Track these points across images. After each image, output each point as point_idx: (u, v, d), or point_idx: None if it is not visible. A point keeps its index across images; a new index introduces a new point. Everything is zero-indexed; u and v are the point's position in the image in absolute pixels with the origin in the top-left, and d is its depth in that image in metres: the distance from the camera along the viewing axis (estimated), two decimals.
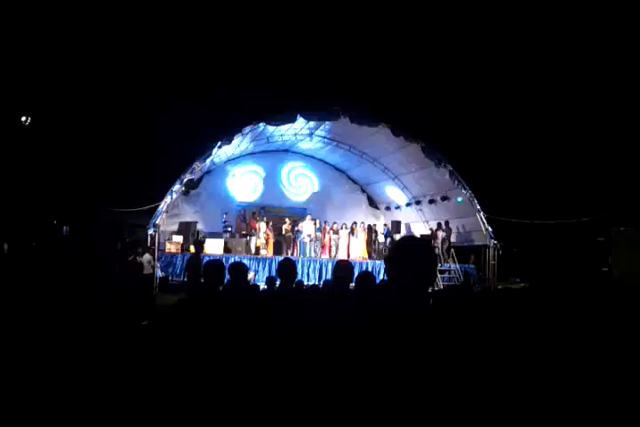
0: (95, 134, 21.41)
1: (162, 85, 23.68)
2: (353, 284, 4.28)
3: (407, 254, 2.23)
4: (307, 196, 24.03)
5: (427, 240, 2.53)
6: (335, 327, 2.29)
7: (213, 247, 17.71)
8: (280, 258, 18.68)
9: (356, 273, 4.38)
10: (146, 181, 18.90)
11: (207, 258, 17.26)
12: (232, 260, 17.47)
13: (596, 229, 17.51)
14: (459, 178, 19.22)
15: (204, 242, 17.50)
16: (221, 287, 5.14)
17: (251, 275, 16.64)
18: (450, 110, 25.38)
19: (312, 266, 18.70)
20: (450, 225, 20.35)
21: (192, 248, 14.68)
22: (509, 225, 18.97)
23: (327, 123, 19.90)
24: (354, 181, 24.92)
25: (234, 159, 22.31)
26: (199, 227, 19.75)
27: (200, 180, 21.24)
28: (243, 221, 20.48)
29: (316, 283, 16.24)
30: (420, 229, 22.31)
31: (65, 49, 20.70)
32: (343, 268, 4.41)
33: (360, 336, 2.17)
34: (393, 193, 23.34)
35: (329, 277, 18.22)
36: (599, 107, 22.54)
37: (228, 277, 5.46)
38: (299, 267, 16.52)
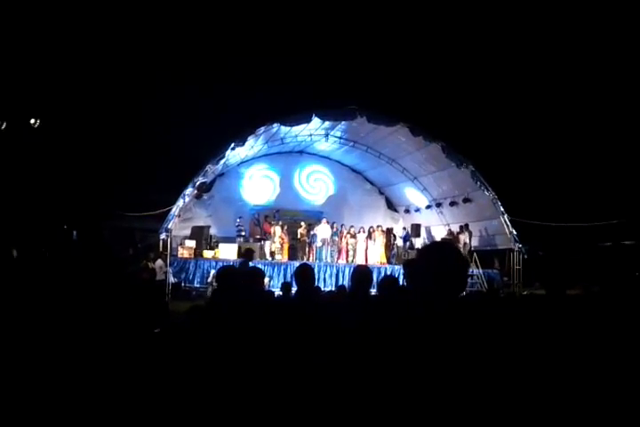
0: (106, 137, 21.67)
1: (175, 87, 23.93)
2: (373, 289, 4.27)
3: (436, 259, 2.19)
4: (323, 198, 24.04)
5: (455, 245, 2.49)
6: (359, 334, 2.27)
7: (227, 252, 17.79)
8: (295, 263, 18.77)
9: (375, 278, 4.35)
10: (158, 184, 19.08)
11: (219, 263, 17.52)
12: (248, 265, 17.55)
13: (621, 232, 17.23)
14: (481, 179, 19.09)
15: (253, 252, 17.67)
16: (237, 294, 5.15)
17: (266, 281, 16.68)
18: (471, 109, 25.25)
19: (329, 271, 18.69)
20: (470, 228, 20.20)
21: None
22: (533, 228, 18.77)
23: (343, 123, 19.89)
24: (371, 183, 24.88)
25: (247, 161, 22.41)
26: (212, 231, 19.86)
27: (213, 183, 21.35)
28: (257, 224, 20.54)
29: (333, 289, 16.14)
30: (440, 233, 22.18)
31: (72, 51, 20.98)
32: (362, 273, 4.38)
33: (387, 341, 2.15)
34: (412, 195, 23.25)
35: (346, 282, 18.21)
36: (628, 106, 22.25)
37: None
38: (316, 272, 16.54)
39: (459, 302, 2.15)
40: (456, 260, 2.22)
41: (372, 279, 4.38)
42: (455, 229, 20.82)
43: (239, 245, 18.62)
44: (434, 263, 2.19)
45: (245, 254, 12.33)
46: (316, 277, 16.04)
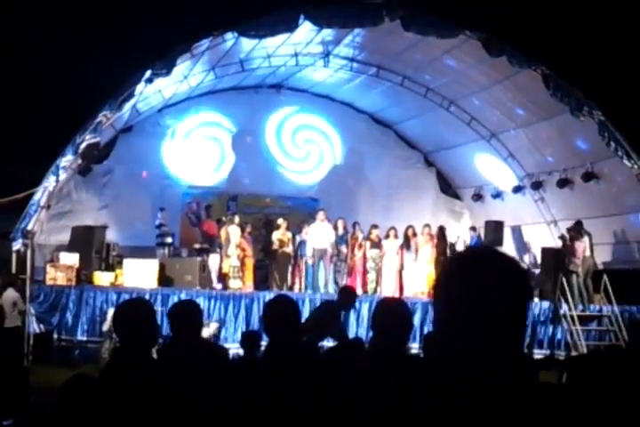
0: None
1: None
2: (417, 345, 4.27)
3: (470, 285, 2.20)
4: (317, 174, 24.16)
5: (510, 258, 2.48)
6: None
7: (139, 274, 17.76)
8: (267, 295, 18.26)
9: (418, 323, 4.38)
10: (7, 147, 18.94)
11: (124, 296, 17.28)
12: (174, 299, 17.49)
13: None
14: (617, 137, 19.00)
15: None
16: (154, 351, 5.18)
17: (211, 328, 16.61)
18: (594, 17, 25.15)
19: None
20: (593, 227, 20.15)
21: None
22: None
23: (357, 32, 19.82)
24: (410, 145, 24.94)
25: (177, 104, 22.44)
26: (110, 236, 19.82)
27: (112, 145, 21.40)
28: (194, 223, 20.59)
29: (338, 343, 16.06)
30: (541, 237, 22.23)
31: None
32: (393, 313, 4.40)
33: None
34: (488, 167, 23.35)
35: (364, 330, 18.17)
36: None
37: (166, 331, 5.52)
38: (303, 312, 16.41)
39: (541, 365, 2.21)
40: (512, 285, 2.25)
41: (410, 325, 4.44)
42: (565, 228, 20.81)
43: (161, 261, 18.60)
44: (468, 293, 2.20)
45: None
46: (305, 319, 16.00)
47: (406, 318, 4.42)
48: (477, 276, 2.24)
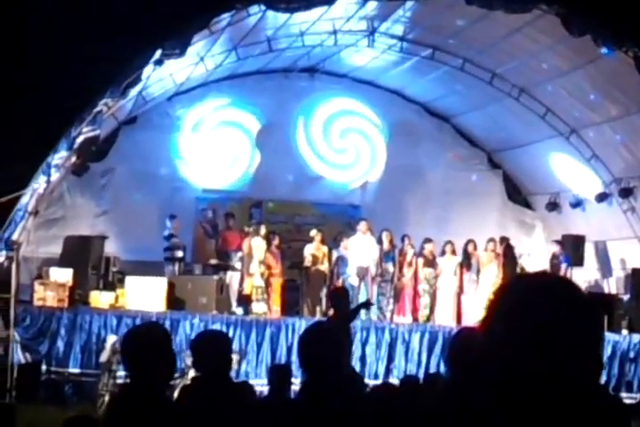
0: None
1: None
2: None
3: (539, 324, 2.20)
4: (359, 176, 24.18)
5: (580, 289, 2.55)
6: None
7: (144, 295, 17.79)
8: (297, 323, 18.55)
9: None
10: None
11: (125, 320, 17.36)
12: (185, 325, 17.50)
13: None
14: None
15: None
16: (173, 386, 5.19)
17: (234, 359, 16.63)
18: None
19: (376, 340, 18.67)
20: None
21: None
22: None
23: (409, 5, 19.79)
24: (471, 142, 24.99)
25: (191, 91, 22.54)
26: (110, 248, 19.88)
27: (113, 139, 21.52)
28: (211, 234, 20.64)
29: (392, 380, 15.96)
30: (629, 254, 22.04)
31: None
32: (467, 345, 4.35)
33: None
34: (566, 170, 23.18)
35: (414, 366, 18.09)
36: None
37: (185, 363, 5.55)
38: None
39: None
40: (580, 316, 2.27)
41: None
42: None
43: (171, 279, 18.61)
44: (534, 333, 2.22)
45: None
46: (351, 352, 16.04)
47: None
48: (545, 309, 2.26)
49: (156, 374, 4.56)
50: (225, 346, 5.62)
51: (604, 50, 18.35)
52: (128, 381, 5.14)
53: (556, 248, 21.81)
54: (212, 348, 5.44)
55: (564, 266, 21.13)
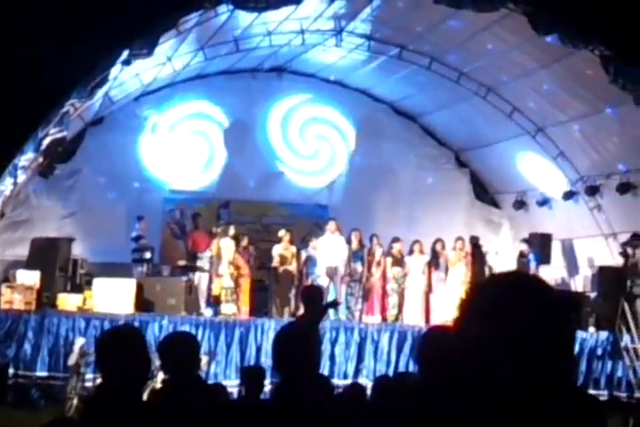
0: None
1: None
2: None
3: (512, 321, 2.24)
4: (327, 176, 24.26)
5: (550, 286, 2.57)
6: None
7: (112, 297, 17.73)
8: (267, 323, 18.53)
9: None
10: None
11: (93, 322, 17.31)
12: (154, 327, 17.46)
13: None
14: None
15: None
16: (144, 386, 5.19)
17: (202, 361, 16.56)
18: None
19: (345, 340, 18.66)
20: None
21: None
22: None
23: (377, 4, 19.76)
24: (439, 142, 25.04)
25: (158, 91, 22.55)
26: (77, 250, 19.79)
27: (79, 140, 21.45)
28: (179, 235, 20.61)
29: (362, 380, 16.15)
30: (596, 252, 22.22)
31: None
32: (441, 345, 4.42)
33: None
34: (533, 168, 23.33)
35: (383, 366, 18.14)
36: None
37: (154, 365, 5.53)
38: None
39: None
40: (548, 311, 2.32)
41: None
42: (632, 245, 20.74)
43: (139, 280, 18.58)
44: (510, 330, 2.27)
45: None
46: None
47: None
48: (520, 310, 2.28)
49: (130, 376, 4.57)
50: (193, 347, 5.62)
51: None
52: (98, 383, 5.13)
53: (524, 247, 21.87)
54: (179, 350, 5.45)
55: (532, 264, 21.19)
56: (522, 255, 21.72)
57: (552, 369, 2.30)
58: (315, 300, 11.34)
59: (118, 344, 4.66)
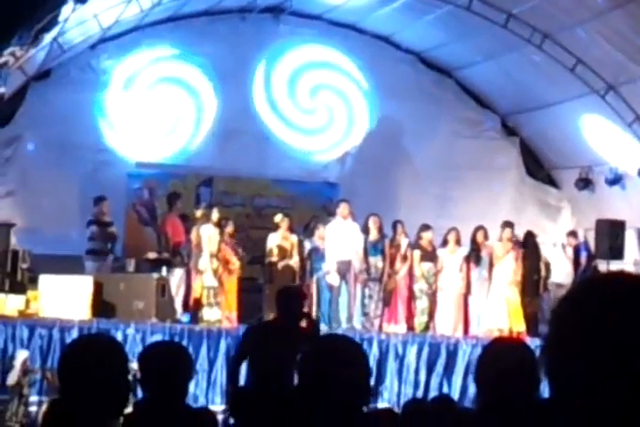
0: None
1: None
2: None
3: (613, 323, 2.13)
4: (336, 146, 24.34)
5: None
6: None
7: (62, 298, 17.73)
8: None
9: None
10: None
11: (39, 331, 17.37)
12: (118, 336, 17.40)
13: None
14: None
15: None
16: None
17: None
18: None
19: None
20: None
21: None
22: None
23: None
24: (480, 103, 25.14)
25: (120, 37, 22.56)
26: (19, 240, 19.80)
27: (19, 98, 21.50)
28: (147, 220, 20.83)
29: (380, 404, 16.00)
30: None
31: None
32: (509, 362, 4.37)
33: None
34: (602, 137, 23.29)
35: (410, 388, 18.18)
36: None
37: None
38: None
39: None
40: None
41: (537, 377, 4.43)
42: None
43: (97, 278, 18.54)
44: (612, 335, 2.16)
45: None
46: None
47: (530, 365, 4.43)
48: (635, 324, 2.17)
49: (105, 401, 4.48)
50: (183, 362, 5.58)
51: None
52: (49, 410, 5.03)
53: (572, 240, 21.97)
54: (163, 365, 5.41)
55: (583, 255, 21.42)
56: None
57: None
58: (289, 301, 11.33)
59: (89, 360, 4.56)
